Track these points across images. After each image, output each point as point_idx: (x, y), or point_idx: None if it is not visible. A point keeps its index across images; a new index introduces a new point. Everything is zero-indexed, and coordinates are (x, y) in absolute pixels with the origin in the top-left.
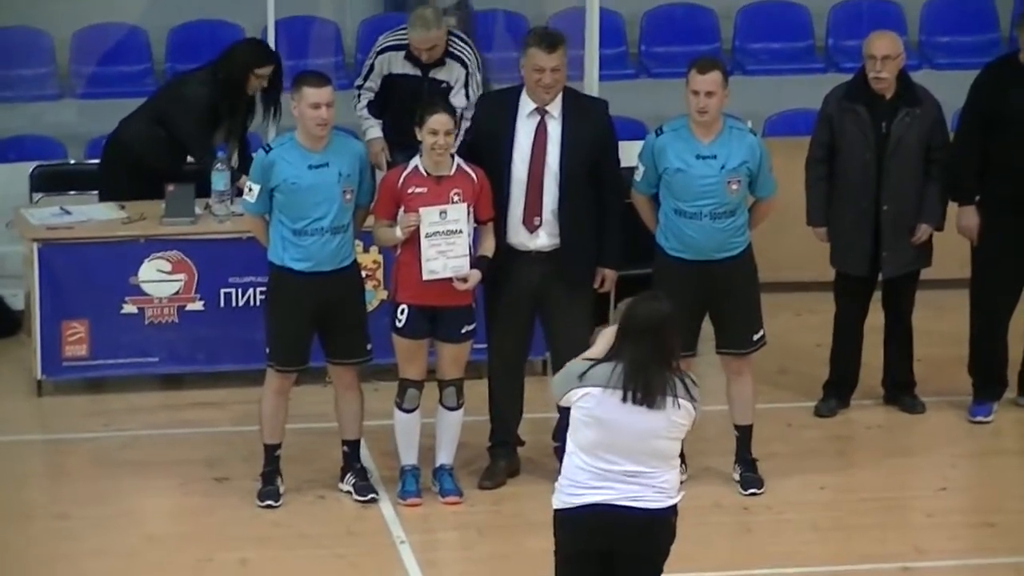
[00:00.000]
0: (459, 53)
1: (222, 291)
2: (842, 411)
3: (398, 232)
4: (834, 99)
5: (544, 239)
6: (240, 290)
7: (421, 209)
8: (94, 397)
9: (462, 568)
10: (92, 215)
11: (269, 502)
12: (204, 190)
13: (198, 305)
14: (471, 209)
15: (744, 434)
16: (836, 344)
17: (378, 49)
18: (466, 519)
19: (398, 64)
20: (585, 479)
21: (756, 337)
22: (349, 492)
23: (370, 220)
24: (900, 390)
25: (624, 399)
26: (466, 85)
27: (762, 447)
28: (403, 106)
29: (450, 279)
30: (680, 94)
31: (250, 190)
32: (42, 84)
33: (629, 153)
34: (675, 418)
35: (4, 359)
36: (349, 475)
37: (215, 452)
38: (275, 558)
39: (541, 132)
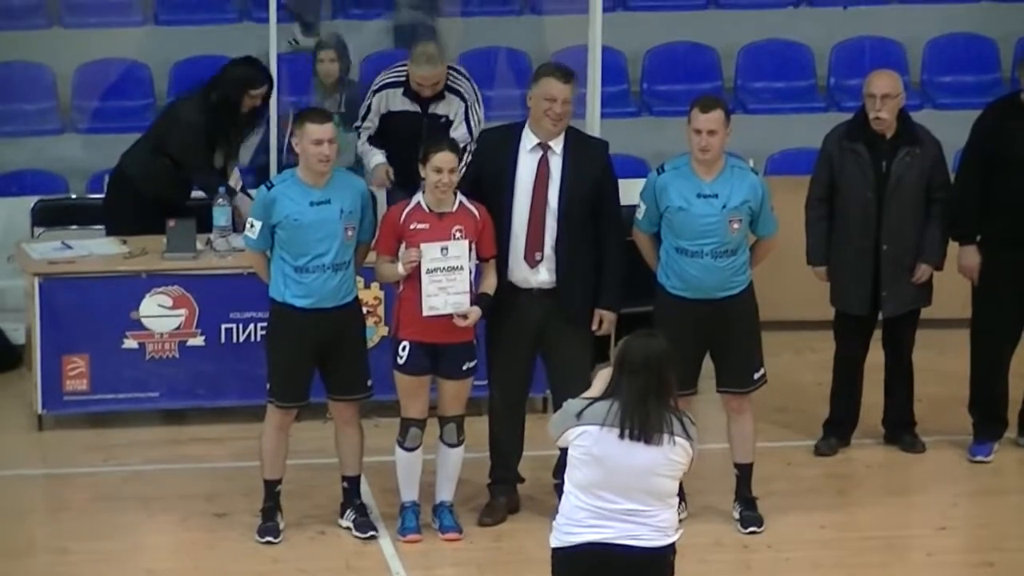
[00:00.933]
0: (457, 87)
1: (223, 326)
2: (842, 450)
3: (400, 268)
4: (834, 138)
5: (545, 275)
6: (241, 325)
7: (422, 245)
8: (95, 432)
9: None
10: (93, 249)
11: (269, 538)
12: (205, 225)
13: (199, 340)
14: (473, 246)
15: (744, 472)
16: (836, 383)
17: (375, 88)
18: (466, 556)
19: (396, 101)
20: (583, 518)
21: (757, 376)
22: (349, 528)
23: (372, 256)
24: (900, 429)
25: (621, 435)
26: (467, 119)
27: (762, 485)
28: (402, 143)
29: (451, 315)
30: (682, 132)
31: (251, 226)
32: (44, 119)
33: (631, 191)
34: (672, 456)
35: (5, 393)
36: (349, 511)
37: (215, 487)
38: None
39: (543, 168)
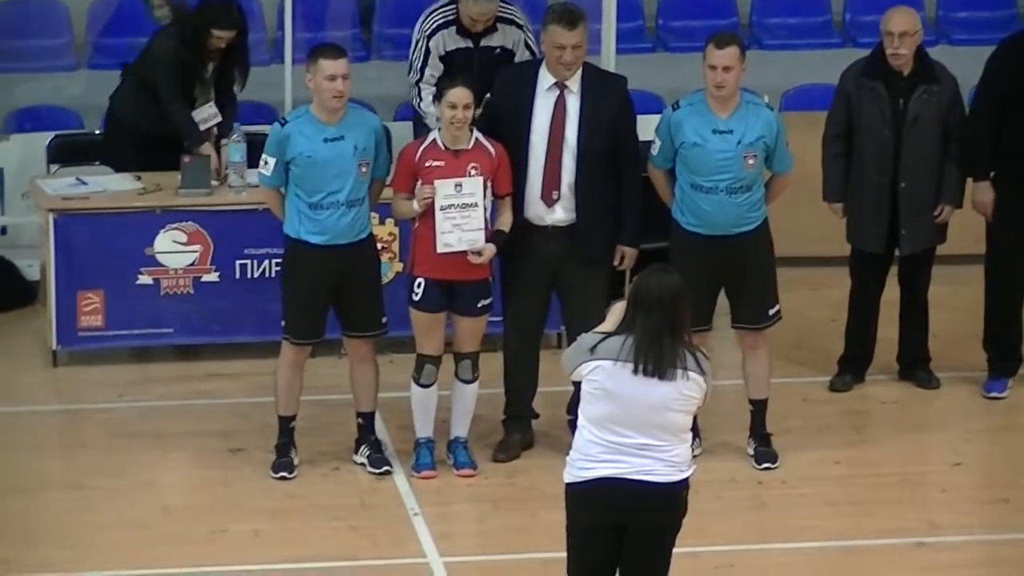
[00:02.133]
0: (508, 15)
1: (237, 262)
2: (857, 386)
3: (414, 204)
4: (851, 75)
5: (561, 214)
6: (256, 261)
7: (436, 182)
8: (109, 368)
9: (476, 540)
10: (108, 185)
11: (283, 474)
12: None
13: (213, 276)
14: (489, 183)
15: (759, 408)
16: (851, 319)
17: (428, 32)
18: (480, 492)
19: (452, 40)
20: (596, 452)
21: (772, 312)
22: (363, 464)
23: (387, 192)
24: (915, 365)
25: (635, 371)
26: (527, 46)
27: (777, 422)
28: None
29: (465, 252)
30: (697, 69)
31: (265, 163)
32: (58, 54)
33: (646, 127)
34: (686, 391)
35: (20, 329)
36: (363, 447)
37: (230, 424)
38: (289, 529)
39: (560, 107)
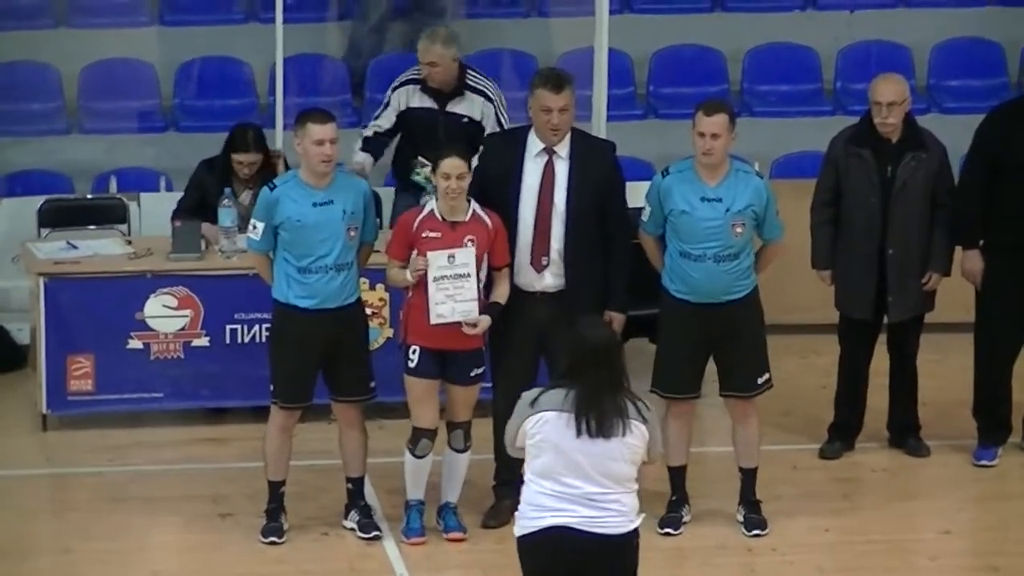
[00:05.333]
0: (479, 87)
1: (228, 327)
2: (847, 454)
3: (408, 275)
4: (840, 143)
5: (550, 280)
6: (246, 326)
7: (429, 253)
8: (100, 432)
9: None
10: (98, 250)
11: (273, 539)
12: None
13: (204, 341)
14: (486, 255)
15: (748, 476)
16: (841, 387)
17: (395, 85)
18: (470, 558)
19: (415, 98)
20: (544, 502)
21: (761, 380)
22: (353, 529)
23: (377, 258)
24: (905, 433)
25: (579, 433)
26: (498, 119)
27: (767, 489)
28: (419, 141)
29: (459, 323)
30: (688, 135)
31: (254, 228)
32: (51, 119)
33: (637, 193)
34: (630, 440)
35: (9, 393)
36: (353, 512)
37: (220, 488)
38: None
39: (549, 172)
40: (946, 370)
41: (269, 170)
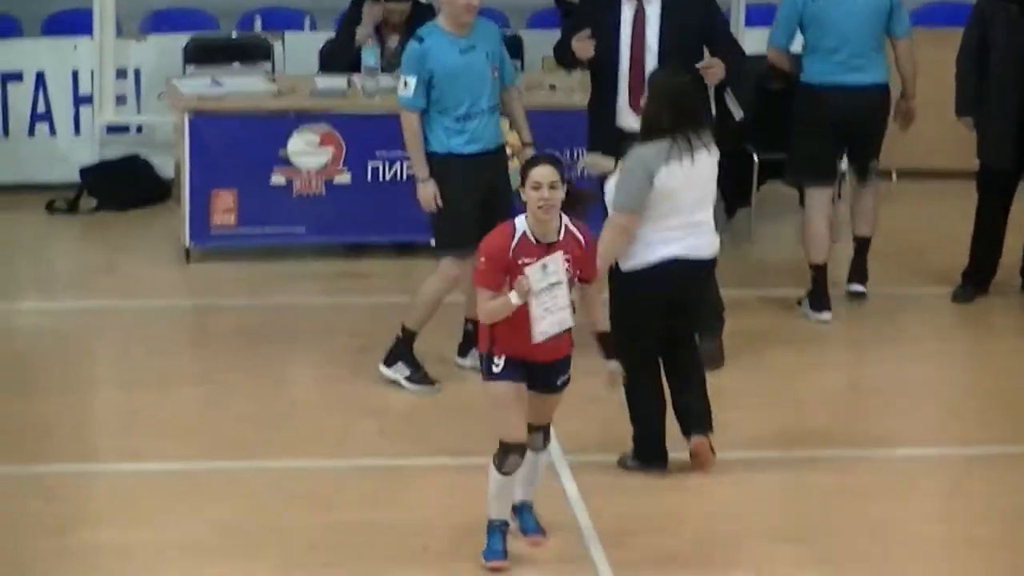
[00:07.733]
0: None
1: (369, 164)
2: (980, 298)
3: (513, 299)
4: None
5: None
6: (387, 164)
7: (526, 270)
8: (241, 265)
9: None
10: (243, 87)
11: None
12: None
13: (345, 178)
14: (577, 271)
15: (862, 245)
16: (977, 233)
17: None
18: None
19: None
20: (666, 235)
21: (871, 164)
22: (475, 368)
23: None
24: None
25: (681, 162)
26: None
27: (901, 331)
28: None
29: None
30: None
31: (406, 84)
32: None
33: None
34: (716, 159)
35: (153, 226)
36: (473, 352)
37: (359, 323)
38: (413, 427)
39: (640, 14)
40: None
41: (418, 19)
